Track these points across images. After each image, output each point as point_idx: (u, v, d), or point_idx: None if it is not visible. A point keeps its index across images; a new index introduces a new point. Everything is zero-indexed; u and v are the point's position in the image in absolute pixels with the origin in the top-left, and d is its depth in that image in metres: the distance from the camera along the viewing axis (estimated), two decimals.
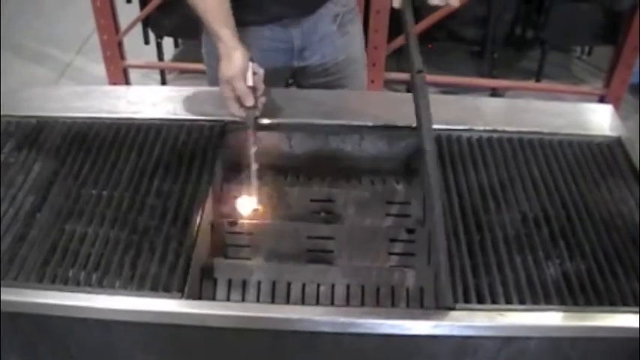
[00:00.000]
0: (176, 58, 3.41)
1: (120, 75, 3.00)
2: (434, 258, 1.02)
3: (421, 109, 0.72)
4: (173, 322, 0.99)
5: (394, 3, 1.11)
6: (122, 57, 2.97)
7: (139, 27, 3.03)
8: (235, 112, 1.26)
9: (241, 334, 1.00)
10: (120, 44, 2.93)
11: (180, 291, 1.00)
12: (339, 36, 1.53)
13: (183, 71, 3.35)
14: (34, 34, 3.56)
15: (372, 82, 2.95)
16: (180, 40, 3.46)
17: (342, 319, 0.97)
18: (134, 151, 1.25)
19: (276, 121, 1.33)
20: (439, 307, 0.99)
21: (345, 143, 1.34)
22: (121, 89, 1.41)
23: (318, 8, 1.47)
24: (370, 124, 1.32)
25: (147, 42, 3.15)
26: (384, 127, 1.32)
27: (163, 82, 3.24)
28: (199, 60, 3.18)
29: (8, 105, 1.36)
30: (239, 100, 1.24)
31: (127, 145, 1.26)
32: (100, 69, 3.02)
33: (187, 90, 1.41)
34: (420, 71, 0.69)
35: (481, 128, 1.31)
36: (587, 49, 3.40)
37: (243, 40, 1.33)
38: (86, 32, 3.39)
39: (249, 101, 1.23)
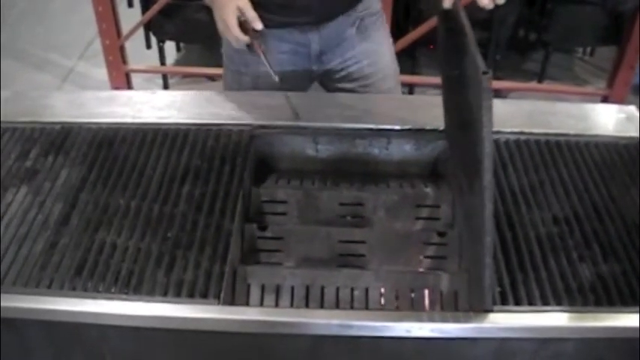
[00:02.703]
0: (178, 63, 3.40)
1: (122, 80, 2.99)
2: (474, 260, 1.02)
3: (484, 110, 0.72)
4: (211, 328, 0.98)
5: (445, 4, 1.09)
6: (124, 62, 2.96)
7: (140, 31, 3.02)
8: (242, 38, 1.28)
9: (279, 340, 0.99)
10: (122, 49, 2.92)
11: (217, 297, 0.99)
12: (359, 40, 1.52)
13: (185, 75, 3.33)
14: (37, 40, 3.53)
15: None
16: (181, 45, 3.45)
17: (382, 323, 0.97)
18: (162, 157, 1.24)
19: (302, 124, 1.33)
20: (478, 309, 0.99)
21: (372, 147, 1.34)
22: (144, 94, 1.40)
23: (336, 17, 1.46)
24: (397, 127, 1.32)
25: (149, 46, 3.13)
26: (412, 130, 1.32)
27: (166, 87, 3.22)
28: (201, 64, 3.21)
29: (31, 111, 1.35)
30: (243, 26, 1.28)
31: (154, 151, 1.25)
32: (102, 74, 3.01)
33: (212, 94, 1.41)
34: (485, 72, 0.69)
35: (508, 130, 1.31)
36: (589, 49, 3.42)
37: (264, 41, 1.35)
38: (89, 37, 3.37)
39: (259, 24, 1.28)
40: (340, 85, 1.55)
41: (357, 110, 1.35)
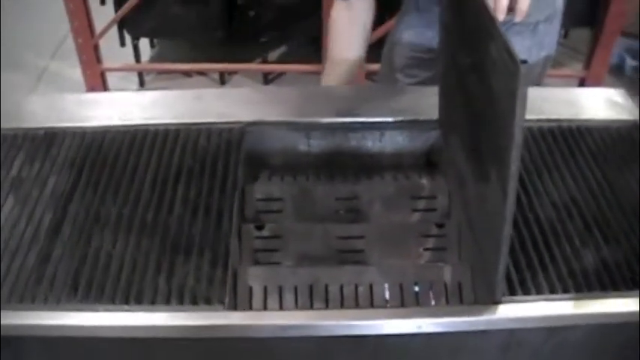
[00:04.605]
0: (152, 59, 3.34)
1: (97, 79, 2.93)
2: (482, 251, 1.01)
3: (518, 100, 0.70)
4: (219, 335, 0.96)
5: None
6: (99, 60, 2.90)
7: (113, 29, 2.95)
8: None
9: (289, 342, 0.97)
10: (96, 47, 2.86)
11: (222, 302, 0.97)
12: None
13: (161, 72, 3.28)
14: (7, 40, 3.43)
15: None
16: (155, 41, 3.39)
17: (393, 321, 0.96)
18: (153, 159, 1.20)
19: (293, 120, 1.30)
20: (486, 301, 0.98)
21: (366, 140, 1.32)
22: (129, 95, 1.36)
23: None
24: (390, 119, 1.30)
25: (123, 44, 3.08)
26: (405, 121, 1.31)
27: (141, 84, 3.17)
28: (176, 60, 3.15)
29: (12, 117, 1.30)
30: None
31: (144, 153, 1.21)
32: (76, 73, 2.95)
33: (200, 92, 1.37)
34: (524, 61, 0.68)
35: None
36: (562, 32, 3.44)
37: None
38: (59, 36, 3.29)
39: None
40: None
41: (348, 103, 1.33)
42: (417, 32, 1.56)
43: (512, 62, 0.71)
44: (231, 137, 1.25)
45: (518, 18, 0.98)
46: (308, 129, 1.31)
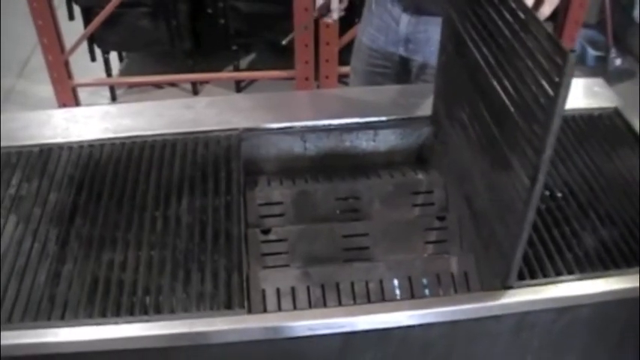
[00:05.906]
0: (122, 73, 3.31)
1: (69, 95, 2.89)
2: (493, 237, 1.04)
3: (562, 89, 0.73)
4: (243, 339, 0.97)
5: None
6: (70, 76, 2.85)
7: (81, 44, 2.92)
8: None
9: (313, 342, 0.99)
10: (66, 64, 2.81)
11: (242, 306, 0.98)
12: None
13: (132, 85, 3.25)
14: None
15: (327, 77, 2.96)
16: (124, 54, 3.36)
17: (413, 312, 0.98)
18: (153, 170, 1.20)
19: (289, 124, 1.32)
20: (497, 286, 1.01)
21: (360, 140, 1.34)
22: (122, 107, 1.35)
23: (423, 14, 1.48)
24: (384, 118, 1.33)
25: (93, 59, 3.04)
26: (397, 120, 1.33)
27: (113, 98, 3.13)
28: (145, 72, 3.13)
29: (3, 135, 1.28)
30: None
31: (144, 164, 1.21)
32: (45, 90, 2.90)
33: (190, 101, 1.37)
34: (573, 50, 0.71)
35: None
36: None
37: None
38: (23, 55, 3.23)
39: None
40: (415, 80, 1.57)
41: (341, 105, 1.36)
42: (372, 36, 1.60)
43: (559, 51, 0.74)
44: (229, 144, 1.26)
45: None
46: (303, 132, 1.32)
